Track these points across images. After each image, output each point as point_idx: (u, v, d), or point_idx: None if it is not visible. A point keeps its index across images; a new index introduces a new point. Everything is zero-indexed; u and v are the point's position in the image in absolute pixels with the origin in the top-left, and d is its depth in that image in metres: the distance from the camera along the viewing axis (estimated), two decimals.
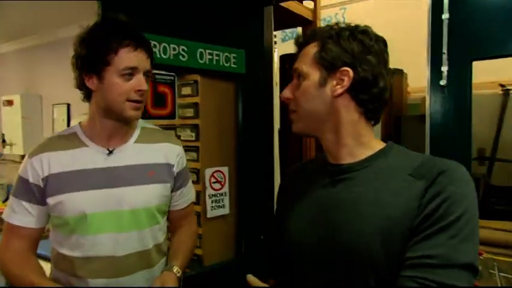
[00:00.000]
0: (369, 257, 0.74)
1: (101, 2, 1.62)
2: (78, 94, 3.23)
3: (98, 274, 1.10)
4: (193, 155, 2.02)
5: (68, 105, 2.89)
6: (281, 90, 2.40)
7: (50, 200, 1.09)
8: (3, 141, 3.09)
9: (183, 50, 1.79)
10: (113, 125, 1.13)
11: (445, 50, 1.60)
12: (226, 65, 1.97)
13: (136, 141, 1.19)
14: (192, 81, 2.00)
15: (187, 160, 2.04)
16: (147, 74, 1.10)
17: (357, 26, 0.82)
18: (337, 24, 0.84)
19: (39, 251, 1.17)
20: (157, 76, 1.77)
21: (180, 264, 1.19)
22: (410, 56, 3.12)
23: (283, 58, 2.94)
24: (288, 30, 4.01)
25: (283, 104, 0.87)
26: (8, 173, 3.34)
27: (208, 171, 2.00)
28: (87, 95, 1.14)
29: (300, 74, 0.84)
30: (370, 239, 0.74)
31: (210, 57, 1.90)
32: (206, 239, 2.01)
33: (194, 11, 1.85)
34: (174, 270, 1.16)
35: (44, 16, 2.64)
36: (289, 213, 0.91)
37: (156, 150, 1.20)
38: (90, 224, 1.09)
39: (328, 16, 4.08)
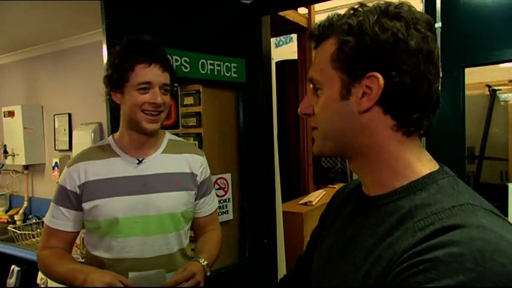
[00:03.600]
0: None
1: (104, 14, 1.66)
2: (79, 104, 3.28)
3: (127, 274, 1.17)
4: None
5: (69, 115, 2.92)
6: (277, 96, 2.43)
7: (86, 205, 1.19)
8: (5, 151, 3.10)
9: (185, 61, 1.84)
10: (138, 137, 1.22)
11: None
12: (227, 74, 2.02)
13: (163, 152, 1.28)
14: (194, 91, 2.06)
15: None
16: (164, 87, 1.19)
17: (388, 8, 0.58)
18: (362, 5, 0.60)
19: None
20: None
21: (206, 257, 1.24)
22: None
23: (278, 65, 2.99)
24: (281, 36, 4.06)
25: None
26: (9, 183, 3.35)
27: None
28: (118, 109, 1.24)
29: (316, 85, 0.64)
30: None
31: (212, 67, 1.95)
32: None
33: (195, 23, 1.90)
34: (200, 261, 1.21)
35: (44, 27, 2.67)
36: (319, 241, 0.78)
37: (181, 160, 1.29)
38: (121, 227, 1.18)
39: None
